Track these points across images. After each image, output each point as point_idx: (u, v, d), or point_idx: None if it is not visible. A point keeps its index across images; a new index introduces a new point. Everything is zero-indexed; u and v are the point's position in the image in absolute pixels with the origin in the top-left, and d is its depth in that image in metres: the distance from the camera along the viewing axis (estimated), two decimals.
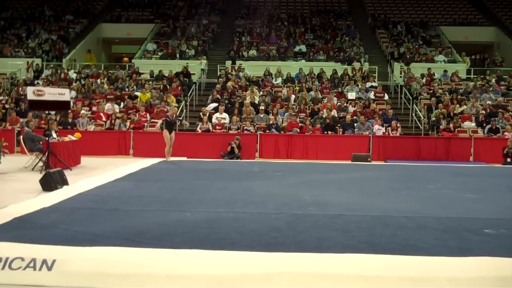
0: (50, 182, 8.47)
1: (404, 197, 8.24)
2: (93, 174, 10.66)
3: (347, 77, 21.48)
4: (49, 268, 4.24)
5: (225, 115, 17.48)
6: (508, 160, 14.57)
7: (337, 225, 5.89)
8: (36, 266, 4.25)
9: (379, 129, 16.68)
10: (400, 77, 22.32)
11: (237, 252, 4.63)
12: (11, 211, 6.36)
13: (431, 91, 19.75)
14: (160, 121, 14.03)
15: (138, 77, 21.51)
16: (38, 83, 20.75)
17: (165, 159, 13.26)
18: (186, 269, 4.25)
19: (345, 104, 18.51)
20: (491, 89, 19.88)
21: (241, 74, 21.84)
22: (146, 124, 17.28)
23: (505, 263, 4.41)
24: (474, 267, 4.32)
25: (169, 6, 30.15)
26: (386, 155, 15.89)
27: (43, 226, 5.64)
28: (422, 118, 18.24)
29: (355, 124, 16.89)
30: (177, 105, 17.65)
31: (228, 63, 23.54)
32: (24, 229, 5.47)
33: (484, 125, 16.90)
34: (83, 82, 21.02)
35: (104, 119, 17.44)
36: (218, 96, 19.07)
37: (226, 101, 18.57)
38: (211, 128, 16.76)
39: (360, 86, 20.29)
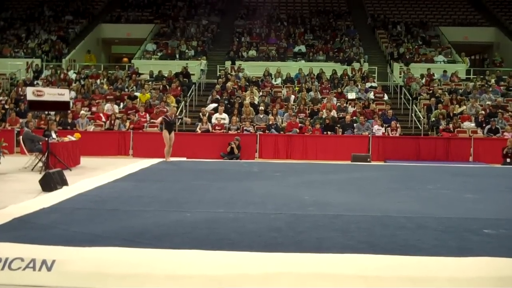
0: (50, 183, 8.46)
1: (404, 197, 8.24)
2: (92, 174, 10.65)
3: (346, 77, 21.50)
4: (49, 269, 4.24)
5: (224, 115, 17.49)
6: (508, 160, 14.58)
7: (336, 226, 5.88)
8: (35, 267, 4.25)
9: (378, 129, 16.69)
10: (400, 77, 22.33)
11: (237, 252, 4.62)
12: (11, 211, 6.36)
13: (431, 92, 19.75)
14: (159, 120, 14.03)
15: (137, 77, 21.52)
16: (37, 83, 20.75)
17: (164, 159, 13.26)
18: (185, 270, 4.25)
19: (344, 105, 18.52)
20: (490, 89, 19.90)
21: (240, 74, 21.84)
22: (145, 124, 17.28)
23: (504, 263, 4.41)
24: (474, 267, 4.32)
25: (169, 7, 30.15)
26: (386, 155, 15.90)
27: (43, 226, 5.64)
28: (422, 118, 18.25)
29: (354, 125, 16.89)
30: (176, 105, 17.64)
31: (228, 63, 23.54)
32: (24, 229, 5.47)
33: (484, 125, 16.91)
34: (82, 82, 21.02)
35: (103, 119, 17.44)
36: (218, 96, 19.07)
37: (226, 102, 18.57)
38: (210, 129, 16.76)
39: (359, 87, 20.30)
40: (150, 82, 20.89)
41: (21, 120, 17.17)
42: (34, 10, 29.74)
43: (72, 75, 22.32)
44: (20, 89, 19.92)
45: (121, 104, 18.97)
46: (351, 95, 19.53)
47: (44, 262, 4.27)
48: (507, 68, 23.42)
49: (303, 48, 24.59)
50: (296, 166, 13.05)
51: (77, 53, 25.71)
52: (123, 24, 28.15)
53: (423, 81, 21.15)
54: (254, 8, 30.27)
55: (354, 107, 18.37)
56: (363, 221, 6.09)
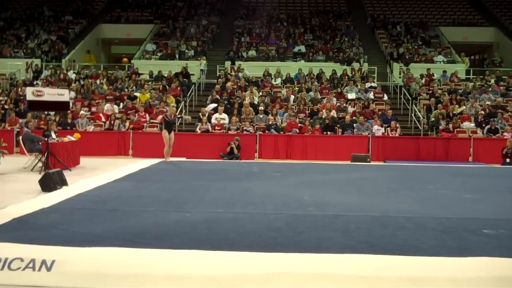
0: (50, 183, 8.46)
1: (403, 197, 8.24)
2: (92, 174, 10.65)
3: (346, 77, 21.50)
4: (48, 269, 4.24)
5: (224, 115, 17.49)
6: (507, 160, 14.58)
7: (336, 226, 5.89)
8: (35, 267, 4.25)
9: (378, 129, 16.69)
10: (400, 77, 22.34)
11: (236, 252, 4.63)
12: (10, 211, 6.36)
13: (431, 92, 19.75)
14: (160, 118, 14.04)
15: (137, 77, 21.52)
16: (37, 83, 20.75)
17: (164, 159, 13.26)
18: (185, 270, 4.25)
19: (344, 105, 18.52)
20: (490, 89, 19.90)
21: (240, 74, 21.84)
22: (145, 124, 17.28)
23: (504, 263, 4.42)
24: (473, 267, 4.32)
25: (169, 7, 30.15)
26: (386, 155, 15.90)
27: (42, 226, 5.64)
28: (421, 118, 18.25)
29: (354, 125, 16.90)
30: (175, 105, 17.64)
31: (228, 63, 23.54)
32: (23, 229, 5.47)
33: (483, 125, 16.91)
34: (82, 82, 21.01)
35: (103, 119, 17.43)
36: (218, 96, 19.08)
37: (226, 102, 18.57)
38: (210, 129, 16.76)
39: (359, 87, 20.30)
40: (149, 82, 20.89)
41: (20, 120, 17.17)
42: (34, 10, 29.74)
43: (71, 75, 22.32)
44: (19, 89, 19.92)
45: (121, 104, 18.97)
46: (351, 95, 19.53)
47: (43, 262, 4.27)
48: (507, 68, 23.41)
49: (302, 48, 24.60)
50: (295, 166, 13.05)
51: (76, 53, 25.71)
52: (122, 24, 28.15)
53: (423, 81, 21.15)
54: (254, 8, 30.28)
55: (354, 107, 18.37)
56: (362, 221, 6.10)
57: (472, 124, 17.21)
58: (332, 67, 22.59)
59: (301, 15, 29.31)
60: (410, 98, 19.59)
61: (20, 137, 13.07)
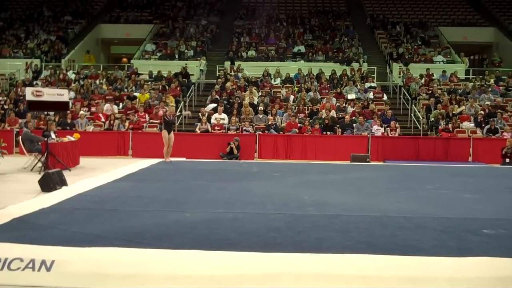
0: (49, 183, 8.46)
1: (403, 197, 8.24)
2: (92, 174, 10.65)
3: (346, 77, 21.50)
4: (48, 269, 4.24)
5: (224, 115, 17.49)
6: (507, 160, 14.58)
7: (336, 226, 5.89)
8: (35, 267, 4.25)
9: (378, 129, 16.69)
10: (399, 77, 22.34)
11: (236, 252, 4.63)
12: (10, 211, 6.35)
13: (430, 92, 19.76)
14: (160, 112, 14.04)
15: (137, 77, 21.52)
16: (37, 83, 20.74)
17: (164, 159, 13.26)
18: (185, 270, 4.25)
19: (344, 105, 18.53)
20: (489, 89, 19.91)
21: (240, 74, 21.84)
22: (145, 124, 17.28)
23: (504, 263, 4.42)
24: (473, 267, 4.32)
25: (168, 7, 30.14)
26: (385, 155, 15.91)
27: (42, 226, 5.64)
28: (421, 118, 18.26)
29: (354, 125, 16.90)
30: (173, 104, 17.62)
31: (227, 63, 23.54)
32: (23, 229, 5.47)
33: (483, 125, 16.92)
34: (82, 82, 21.01)
35: (103, 119, 17.43)
36: (217, 96, 19.08)
37: (225, 102, 18.57)
38: (210, 129, 16.76)
39: (359, 87, 20.31)
40: (149, 82, 20.89)
41: (20, 121, 17.17)
42: (33, 10, 29.73)
43: (71, 75, 22.31)
44: (19, 89, 19.92)
45: (121, 104, 18.96)
46: (351, 95, 19.54)
47: (43, 262, 4.27)
48: (506, 68, 23.43)
49: (302, 48, 24.60)
50: (295, 166, 13.05)
51: (76, 54, 25.70)
52: (122, 25, 28.14)
53: (422, 81, 21.16)
54: (254, 8, 30.28)
55: (354, 107, 18.37)
56: (362, 221, 6.10)
57: (472, 124, 17.22)
58: (331, 67, 22.60)
59: (300, 15, 29.31)
60: (410, 98, 19.60)
61: (20, 137, 13.06)
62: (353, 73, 22.18)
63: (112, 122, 17.04)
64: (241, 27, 27.37)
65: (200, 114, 17.55)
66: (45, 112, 15.43)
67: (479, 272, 4.23)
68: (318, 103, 18.90)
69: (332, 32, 26.67)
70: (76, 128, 16.57)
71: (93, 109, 18.33)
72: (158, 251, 4.64)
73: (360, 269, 4.25)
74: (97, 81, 21.26)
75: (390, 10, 30.50)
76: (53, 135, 12.57)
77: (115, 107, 18.55)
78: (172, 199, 7.57)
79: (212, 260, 4.40)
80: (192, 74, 22.17)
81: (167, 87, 20.31)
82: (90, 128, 16.91)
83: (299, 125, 17.00)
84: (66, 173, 9.54)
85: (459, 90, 20.07)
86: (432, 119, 17.53)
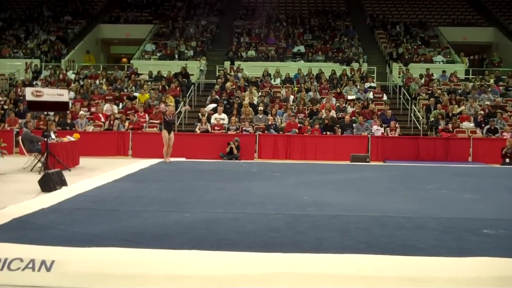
0: (49, 183, 8.46)
1: (403, 197, 8.24)
2: (92, 174, 10.65)
3: (345, 77, 21.51)
4: (48, 269, 4.24)
5: (224, 115, 17.49)
6: (507, 160, 14.58)
7: (336, 226, 5.89)
8: (35, 267, 4.25)
9: (377, 129, 16.69)
10: (399, 77, 22.34)
11: (236, 252, 4.62)
12: (10, 212, 6.35)
13: (430, 92, 19.76)
14: (162, 106, 14.05)
15: (136, 77, 21.52)
16: (36, 84, 20.74)
17: (163, 159, 13.26)
18: (185, 270, 4.25)
19: (343, 105, 18.53)
20: (489, 89, 19.91)
21: (239, 74, 21.84)
22: (144, 125, 17.28)
23: (504, 264, 4.41)
24: (473, 268, 4.32)
25: (168, 7, 30.15)
26: (385, 155, 15.91)
27: (42, 227, 5.63)
28: (421, 118, 18.26)
29: (353, 125, 16.91)
30: (173, 104, 17.61)
31: (227, 63, 23.54)
32: (23, 230, 5.46)
33: (483, 125, 16.92)
34: (81, 83, 21.01)
35: (102, 119, 17.43)
36: (217, 96, 19.08)
37: (225, 102, 18.57)
38: (210, 129, 16.76)
39: (358, 87, 20.31)
40: (149, 83, 20.89)
41: (20, 121, 17.17)
42: (33, 10, 29.73)
43: (71, 75, 22.31)
44: (19, 89, 19.92)
45: (120, 104, 18.96)
46: (350, 95, 19.54)
47: (43, 262, 4.27)
48: (506, 68, 23.43)
49: (302, 48, 24.60)
50: (295, 166, 13.05)
51: (76, 54, 25.70)
52: (122, 25, 28.14)
53: (422, 81, 21.16)
54: (253, 8, 30.28)
55: (353, 107, 18.38)
56: (362, 221, 6.09)
57: (472, 124, 17.22)
58: (331, 67, 22.60)
59: (300, 15, 29.31)
60: (410, 98, 19.60)
61: (20, 137, 13.06)
62: (353, 73, 22.18)
63: (112, 122, 17.04)
64: (241, 27, 27.37)
65: (200, 114, 17.55)
66: (45, 112, 15.42)
67: (479, 272, 4.23)
68: (318, 103, 18.90)
69: (332, 32, 26.68)
70: (76, 128, 16.57)
71: (93, 109, 18.33)
72: (158, 251, 4.63)
73: (360, 269, 4.25)
74: (97, 81, 21.26)
75: (390, 10, 30.51)
76: (53, 135, 12.57)
77: (115, 107, 18.56)
78: (172, 199, 7.57)
79: (212, 260, 4.40)
80: (192, 74, 22.17)
81: (167, 87, 20.31)
82: (90, 128, 16.91)
83: (299, 125, 17.00)
84: (66, 173, 9.54)
85: (459, 90, 20.08)
86: (432, 119, 17.53)
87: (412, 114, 18.60)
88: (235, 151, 15.42)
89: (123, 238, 5.09)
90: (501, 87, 20.51)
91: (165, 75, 21.49)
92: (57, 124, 16.08)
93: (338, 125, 17.15)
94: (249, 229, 5.67)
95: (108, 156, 15.35)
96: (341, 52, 24.13)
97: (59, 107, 12.80)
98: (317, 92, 19.83)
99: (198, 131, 16.70)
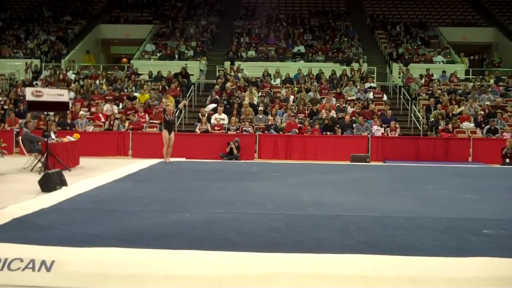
0: (49, 183, 8.45)
1: (403, 197, 8.24)
2: (92, 175, 10.65)
3: (345, 77, 21.51)
4: (48, 269, 4.23)
5: (224, 116, 17.49)
6: (507, 160, 14.59)
7: (336, 226, 5.89)
8: (35, 267, 4.25)
9: (378, 129, 16.70)
10: (399, 77, 22.34)
11: (236, 252, 4.62)
12: (10, 212, 6.35)
13: (430, 92, 19.77)
14: (164, 101, 14.06)
15: (136, 78, 21.52)
16: (36, 84, 20.74)
17: (163, 159, 13.26)
18: (185, 270, 4.25)
19: (344, 105, 18.53)
20: (489, 89, 19.91)
21: (239, 74, 21.84)
22: (144, 125, 17.28)
23: (504, 264, 4.42)
24: (473, 268, 4.32)
25: (168, 7, 30.15)
26: (385, 155, 15.91)
27: (42, 227, 5.63)
28: (421, 118, 18.26)
29: (354, 125, 16.91)
30: (170, 104, 17.56)
31: (227, 63, 23.54)
32: (23, 230, 5.46)
33: (483, 125, 16.93)
34: (81, 83, 21.02)
35: (103, 120, 17.44)
36: (217, 97, 19.08)
37: (225, 102, 18.57)
38: (210, 129, 16.76)
39: (359, 87, 20.32)
40: (149, 83, 20.90)
41: (20, 121, 17.17)
42: (33, 10, 29.73)
43: (71, 75, 22.32)
44: (19, 89, 19.92)
45: (120, 104, 18.97)
46: (350, 96, 19.54)
47: (43, 262, 4.27)
48: (506, 68, 23.43)
49: (302, 48, 24.60)
50: (295, 167, 13.05)
51: (76, 54, 25.71)
52: (122, 25, 28.14)
53: (422, 81, 21.16)
54: (253, 8, 30.28)
55: (353, 107, 18.38)
56: (362, 221, 6.09)
57: (472, 124, 17.22)
58: (331, 67, 22.60)
59: (300, 15, 29.31)
60: (410, 98, 19.61)
61: (20, 137, 13.06)
62: (353, 73, 22.18)
63: (112, 122, 17.04)
64: (241, 27, 27.37)
65: (200, 114, 17.55)
66: (45, 112, 15.42)
67: (479, 272, 4.23)
68: (318, 103, 18.90)
69: (332, 32, 26.68)
70: (76, 128, 16.57)
71: (93, 109, 18.34)
72: (158, 251, 4.63)
73: (360, 269, 4.25)
74: (97, 81, 21.26)
75: (390, 10, 30.51)
76: (53, 135, 12.57)
77: (115, 107, 18.56)
78: (172, 199, 7.57)
79: (212, 260, 4.40)
80: (192, 74, 22.18)
81: (167, 88, 20.31)
82: (90, 128, 16.91)
83: (299, 125, 17.00)
84: (66, 173, 9.54)
85: (459, 90, 20.08)
86: (432, 119, 17.53)
87: (412, 114, 18.61)
88: (235, 151, 15.43)
89: (123, 238, 5.09)
90: (501, 87, 20.52)
91: (165, 75, 21.50)
92: (57, 124, 16.08)
93: (338, 125, 17.15)
94: (249, 229, 5.67)
95: (108, 156, 15.35)
96: (341, 52, 24.13)
97: (59, 107, 12.80)
98: (317, 92, 19.84)
99: (198, 131, 16.70)
